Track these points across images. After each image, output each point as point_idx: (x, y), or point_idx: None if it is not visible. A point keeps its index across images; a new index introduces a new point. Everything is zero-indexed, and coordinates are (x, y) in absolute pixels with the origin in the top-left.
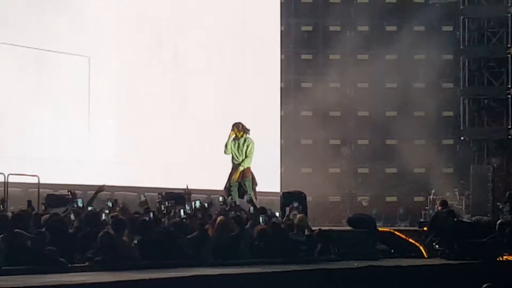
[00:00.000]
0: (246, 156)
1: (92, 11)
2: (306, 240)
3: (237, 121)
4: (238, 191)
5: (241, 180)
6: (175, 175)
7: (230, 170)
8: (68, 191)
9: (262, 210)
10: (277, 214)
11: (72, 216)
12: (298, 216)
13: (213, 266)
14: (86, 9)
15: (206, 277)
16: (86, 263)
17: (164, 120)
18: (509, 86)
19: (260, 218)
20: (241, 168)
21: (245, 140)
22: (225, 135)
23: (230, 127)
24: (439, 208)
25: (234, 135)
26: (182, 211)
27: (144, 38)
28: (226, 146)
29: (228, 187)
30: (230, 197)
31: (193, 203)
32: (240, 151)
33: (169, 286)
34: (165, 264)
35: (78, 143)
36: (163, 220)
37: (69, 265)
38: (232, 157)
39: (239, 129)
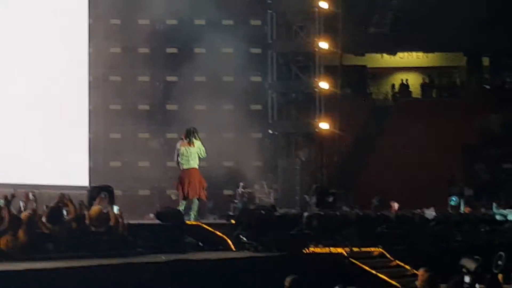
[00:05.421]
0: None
1: None
2: (107, 232)
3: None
4: None
5: None
6: None
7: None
8: None
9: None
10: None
11: None
12: (92, 208)
13: (20, 261)
14: None
15: (12, 272)
16: None
17: None
18: (316, 80)
19: (65, 212)
20: None
21: None
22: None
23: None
24: None
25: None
26: None
27: None
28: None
29: None
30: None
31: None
32: None
33: None
34: None
35: None
36: None
37: None
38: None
39: None
